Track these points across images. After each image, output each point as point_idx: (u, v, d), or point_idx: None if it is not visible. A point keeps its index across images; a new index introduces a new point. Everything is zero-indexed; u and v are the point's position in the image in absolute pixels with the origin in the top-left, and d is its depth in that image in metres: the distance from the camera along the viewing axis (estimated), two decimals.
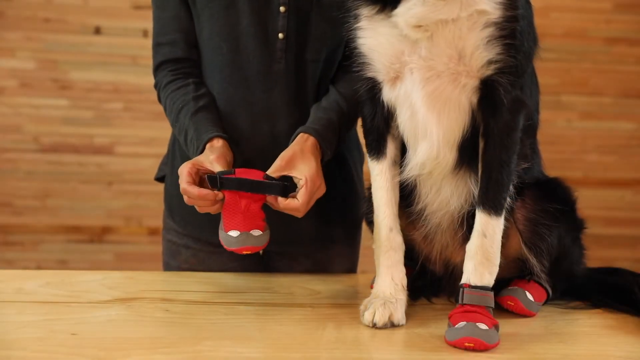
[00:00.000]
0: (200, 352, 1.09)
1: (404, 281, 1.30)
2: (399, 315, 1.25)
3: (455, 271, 1.37)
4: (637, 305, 1.37)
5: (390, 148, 1.32)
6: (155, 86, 1.57)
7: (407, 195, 1.35)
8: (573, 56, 3.58)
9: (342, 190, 1.60)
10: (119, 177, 3.38)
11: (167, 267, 1.65)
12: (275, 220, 1.52)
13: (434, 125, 1.22)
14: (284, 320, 1.25)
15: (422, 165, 1.27)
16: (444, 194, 1.31)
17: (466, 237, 1.27)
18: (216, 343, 1.13)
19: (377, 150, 1.32)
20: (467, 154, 1.25)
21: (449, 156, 1.25)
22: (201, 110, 1.46)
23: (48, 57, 3.34)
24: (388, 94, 1.26)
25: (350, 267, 1.69)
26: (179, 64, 1.53)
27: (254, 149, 1.49)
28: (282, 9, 1.44)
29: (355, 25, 1.26)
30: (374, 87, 1.27)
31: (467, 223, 1.30)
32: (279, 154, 1.37)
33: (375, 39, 1.23)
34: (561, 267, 1.36)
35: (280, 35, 1.46)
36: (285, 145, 1.40)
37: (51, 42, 3.33)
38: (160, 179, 1.70)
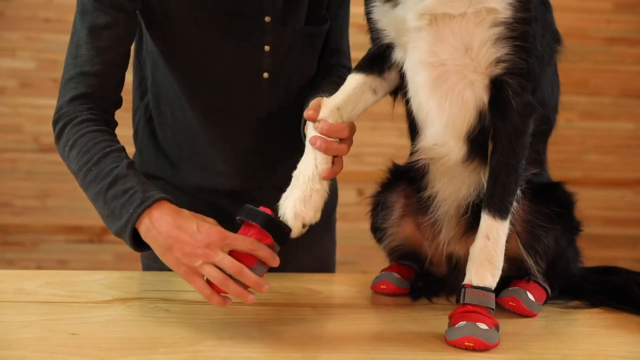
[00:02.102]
0: (200, 352, 1.09)
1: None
2: (311, 215, 1.22)
3: (458, 266, 1.37)
4: (636, 304, 1.37)
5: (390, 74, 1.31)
6: (59, 119, 1.32)
7: (419, 179, 1.35)
8: (573, 56, 3.58)
9: None
10: None
11: (148, 269, 1.64)
12: None
13: (436, 112, 1.23)
14: (284, 320, 1.25)
15: (428, 149, 1.28)
16: (456, 184, 1.31)
17: (471, 224, 1.28)
18: (216, 343, 1.13)
19: (369, 66, 1.31)
20: (480, 149, 1.25)
21: (456, 147, 1.25)
22: (134, 167, 1.28)
23: (48, 57, 3.34)
24: (401, 56, 1.27)
25: (329, 248, 1.71)
26: (102, 104, 1.35)
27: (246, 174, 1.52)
28: (266, 47, 1.43)
29: (370, 5, 1.28)
30: (389, 46, 1.28)
31: (472, 210, 1.30)
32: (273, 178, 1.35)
33: (385, 22, 1.25)
34: (558, 268, 1.36)
35: (265, 75, 1.45)
36: (279, 169, 1.42)
37: (51, 42, 3.33)
38: None
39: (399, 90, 1.33)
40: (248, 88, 1.46)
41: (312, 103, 1.30)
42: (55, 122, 1.33)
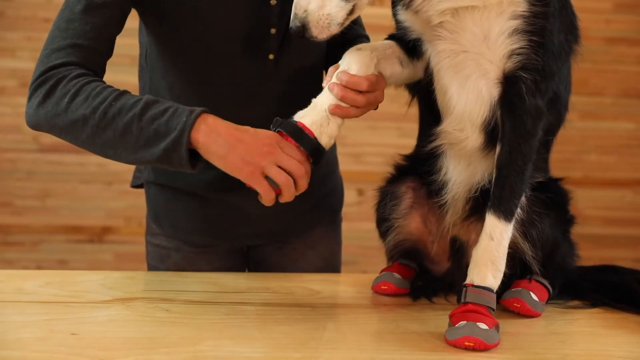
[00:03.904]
0: (200, 352, 1.09)
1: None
2: (325, 140, 1.26)
3: (460, 254, 1.38)
4: (637, 301, 1.37)
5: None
6: (46, 80, 1.24)
7: (432, 163, 1.37)
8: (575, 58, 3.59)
9: (322, 179, 1.62)
10: (119, 177, 3.38)
11: (154, 270, 1.64)
12: (254, 215, 1.52)
13: (456, 98, 1.25)
14: (284, 320, 1.25)
15: (448, 134, 1.30)
16: (472, 169, 1.33)
17: (479, 206, 1.30)
18: (216, 343, 1.13)
19: (399, 41, 1.32)
20: (497, 141, 1.26)
21: (473, 134, 1.27)
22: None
23: None
24: (427, 47, 1.29)
25: (335, 247, 1.70)
26: (95, 74, 1.29)
27: None
28: (272, 30, 1.41)
29: (395, 8, 1.30)
30: (417, 40, 1.30)
31: (481, 191, 1.32)
32: None
33: (410, 23, 1.27)
34: (555, 260, 1.37)
35: (271, 56, 1.43)
36: None
37: None
38: (138, 186, 1.70)
39: (420, 82, 1.35)
40: (254, 73, 1.43)
41: (329, 71, 1.30)
42: (40, 84, 1.24)
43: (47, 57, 1.27)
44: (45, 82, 1.25)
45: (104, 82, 1.29)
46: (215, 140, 1.19)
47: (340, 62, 1.30)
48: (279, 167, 1.22)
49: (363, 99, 1.27)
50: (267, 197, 1.23)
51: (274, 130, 1.27)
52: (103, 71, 1.35)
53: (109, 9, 1.32)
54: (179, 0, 1.37)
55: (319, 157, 1.28)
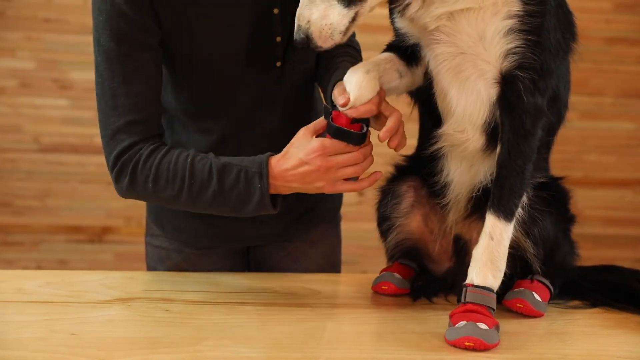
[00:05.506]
0: (200, 352, 1.09)
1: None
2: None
3: (463, 253, 1.38)
4: (637, 300, 1.37)
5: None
6: (124, 166, 1.34)
7: (434, 164, 1.38)
8: (573, 56, 3.58)
9: None
10: None
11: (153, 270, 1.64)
12: (256, 217, 1.53)
13: (456, 100, 1.25)
14: (284, 320, 1.25)
15: (449, 136, 1.30)
16: (474, 170, 1.33)
17: (481, 204, 1.30)
18: (216, 343, 1.13)
19: (396, 51, 1.33)
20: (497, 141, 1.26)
21: (475, 135, 1.27)
22: (215, 154, 1.36)
23: (48, 57, 3.34)
24: (425, 52, 1.29)
25: (335, 245, 1.70)
26: (156, 139, 1.38)
27: None
28: (278, 39, 1.42)
29: (393, 15, 1.31)
30: (415, 46, 1.31)
31: (483, 189, 1.32)
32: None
33: (408, 29, 1.29)
34: (555, 259, 1.37)
35: (278, 64, 1.43)
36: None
37: (51, 42, 3.33)
38: None
39: (420, 87, 1.36)
40: (263, 81, 1.44)
41: (337, 89, 1.30)
42: (120, 171, 1.35)
43: (112, 140, 1.35)
44: (124, 169, 1.35)
45: (171, 149, 1.35)
46: (289, 188, 1.32)
47: (345, 84, 1.28)
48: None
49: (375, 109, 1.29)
50: (356, 189, 1.34)
51: (326, 119, 1.30)
52: (162, 128, 1.40)
53: (144, 71, 1.33)
54: (185, 22, 1.36)
55: (366, 134, 1.30)
